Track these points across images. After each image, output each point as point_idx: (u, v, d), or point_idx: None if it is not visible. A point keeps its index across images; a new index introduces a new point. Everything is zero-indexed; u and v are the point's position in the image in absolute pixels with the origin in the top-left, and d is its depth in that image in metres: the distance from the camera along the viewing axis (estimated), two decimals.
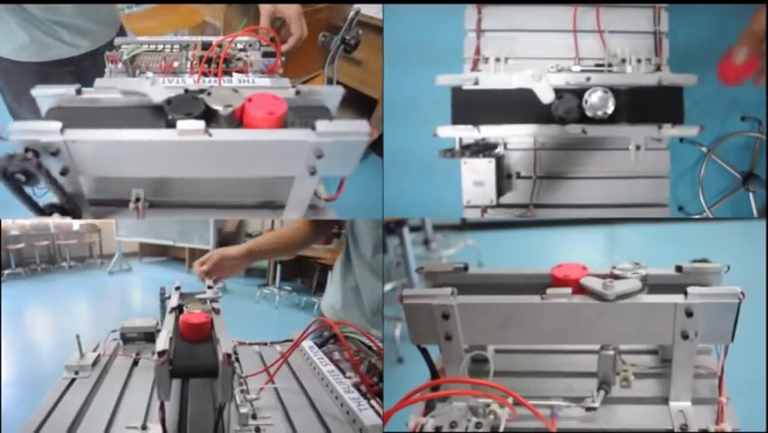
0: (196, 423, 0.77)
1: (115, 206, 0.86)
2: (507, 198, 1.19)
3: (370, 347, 1.13)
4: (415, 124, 1.26)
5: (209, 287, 1.05)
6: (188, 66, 1.02)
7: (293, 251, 1.61)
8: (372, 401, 0.91)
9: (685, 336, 0.72)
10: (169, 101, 0.74)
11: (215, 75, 0.95)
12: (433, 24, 1.57)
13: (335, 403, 0.94)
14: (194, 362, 0.72)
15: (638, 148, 1.11)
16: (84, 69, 1.45)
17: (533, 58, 1.20)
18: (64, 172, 0.71)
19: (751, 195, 1.74)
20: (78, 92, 0.78)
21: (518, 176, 1.23)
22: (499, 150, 1.14)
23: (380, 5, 1.69)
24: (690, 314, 0.71)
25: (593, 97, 1.02)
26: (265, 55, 1.09)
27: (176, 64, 1.02)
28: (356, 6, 1.20)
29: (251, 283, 5.15)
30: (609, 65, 1.15)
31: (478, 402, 0.75)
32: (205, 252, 5.20)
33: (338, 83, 1.20)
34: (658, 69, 1.16)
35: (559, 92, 1.04)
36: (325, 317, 1.44)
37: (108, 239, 6.47)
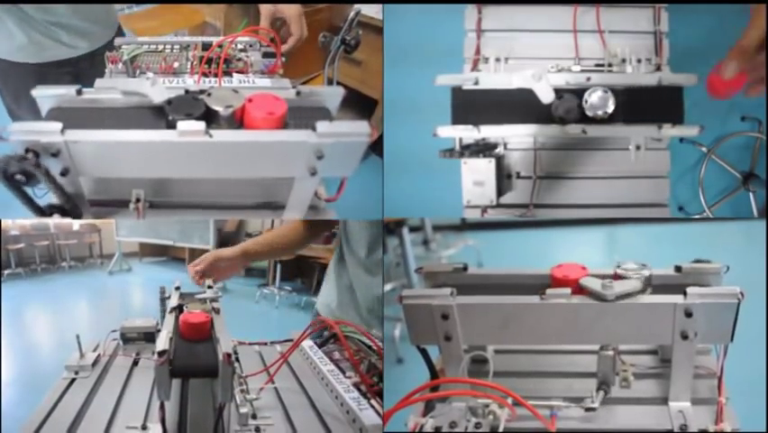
0: (196, 423, 0.77)
1: (116, 206, 0.86)
2: (507, 198, 1.19)
3: (370, 347, 1.13)
4: (415, 124, 1.26)
5: (209, 287, 1.05)
6: (189, 66, 1.02)
7: (289, 252, 1.62)
8: (372, 401, 0.91)
9: (685, 337, 0.72)
10: (169, 102, 0.74)
11: (216, 75, 0.95)
12: (433, 24, 1.57)
13: (335, 403, 0.94)
14: (194, 362, 0.72)
15: (638, 148, 1.11)
16: (82, 69, 1.45)
17: (533, 58, 1.20)
18: (64, 173, 0.72)
19: (751, 195, 1.74)
20: (79, 92, 0.78)
21: (518, 176, 1.23)
22: (499, 150, 1.14)
23: (380, 6, 1.69)
24: (689, 314, 0.71)
25: (593, 97, 1.02)
26: (265, 55, 1.09)
27: (176, 64, 1.02)
28: (356, 7, 1.20)
29: (251, 283, 5.15)
30: (609, 65, 1.15)
31: (477, 403, 0.75)
32: (205, 251, 5.22)
33: (338, 83, 1.20)
34: (658, 68, 1.16)
35: (559, 92, 1.04)
36: (322, 317, 1.45)
37: (108, 239, 6.48)
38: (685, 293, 0.71)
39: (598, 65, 1.16)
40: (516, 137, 1.20)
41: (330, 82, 1.22)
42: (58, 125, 0.69)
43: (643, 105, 1.05)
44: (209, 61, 0.99)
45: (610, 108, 1.02)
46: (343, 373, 1.03)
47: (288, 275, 4.97)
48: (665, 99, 1.04)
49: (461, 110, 1.09)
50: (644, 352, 0.91)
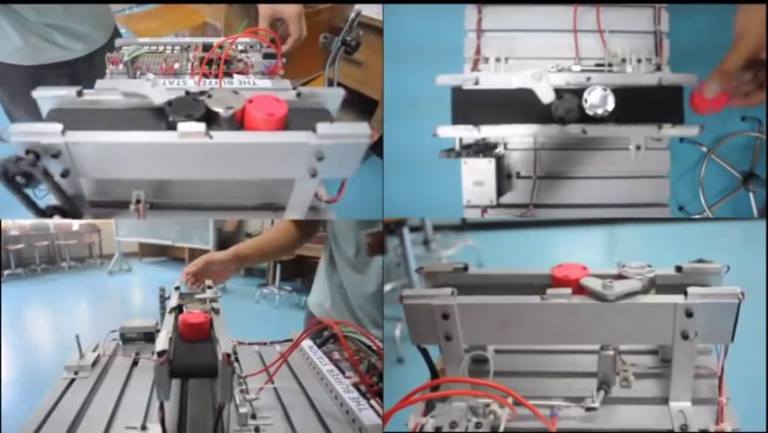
0: (195, 423, 0.77)
1: (116, 207, 0.86)
2: (507, 198, 1.19)
3: (369, 347, 1.13)
4: (415, 124, 1.26)
5: (209, 287, 1.05)
6: (189, 67, 1.02)
7: (282, 253, 1.62)
8: (372, 401, 0.91)
9: (685, 337, 0.72)
10: (169, 103, 0.74)
11: (216, 76, 0.95)
12: (433, 24, 1.57)
13: (335, 403, 0.94)
14: (193, 362, 0.72)
15: (638, 148, 1.11)
16: (80, 71, 1.45)
17: (533, 58, 1.20)
18: (65, 174, 0.71)
19: (751, 195, 1.74)
20: (79, 94, 0.78)
21: (518, 176, 1.23)
22: (499, 150, 1.14)
23: (381, 6, 1.69)
24: (690, 314, 0.71)
25: (593, 96, 1.02)
26: (266, 56, 1.09)
27: (176, 65, 1.02)
28: (357, 7, 1.20)
29: (251, 283, 5.16)
30: (610, 65, 1.15)
31: (478, 402, 0.75)
32: (205, 251, 5.23)
33: (339, 84, 1.20)
34: (658, 68, 1.16)
35: (559, 92, 1.04)
36: (321, 317, 1.47)
37: (108, 239, 6.48)
38: (686, 293, 0.71)
39: (598, 65, 1.16)
40: (516, 137, 1.20)
41: (330, 83, 1.22)
42: (58, 127, 0.68)
43: (643, 105, 1.05)
44: (210, 62, 0.99)
45: (610, 106, 1.02)
46: (343, 373, 1.03)
47: (287, 275, 4.98)
48: (665, 99, 1.04)
49: (461, 110, 1.09)
50: (645, 352, 0.91)
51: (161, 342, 0.69)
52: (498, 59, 1.19)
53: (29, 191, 0.73)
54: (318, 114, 0.79)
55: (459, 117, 1.09)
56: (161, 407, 0.72)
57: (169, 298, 1.01)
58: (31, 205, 0.75)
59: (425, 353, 0.81)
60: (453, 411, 0.77)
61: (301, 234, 1.48)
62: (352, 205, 0.94)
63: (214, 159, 0.73)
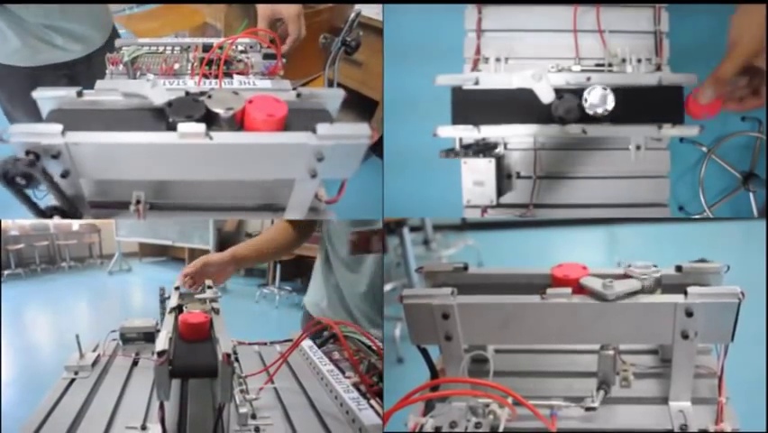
0: (195, 423, 0.77)
1: (116, 208, 0.86)
2: (507, 198, 1.19)
3: (369, 347, 1.13)
4: (415, 124, 1.26)
5: (209, 287, 1.05)
6: (189, 68, 1.02)
7: (280, 254, 1.63)
8: (372, 401, 0.91)
9: (685, 336, 0.72)
10: (169, 104, 0.74)
11: (216, 77, 0.95)
12: (433, 24, 1.57)
13: (335, 403, 0.94)
14: (193, 362, 0.72)
15: (638, 148, 1.11)
16: (79, 72, 1.45)
17: (533, 58, 1.20)
18: (65, 175, 0.71)
19: (751, 195, 1.74)
20: (79, 94, 0.78)
21: (518, 176, 1.23)
22: (499, 150, 1.14)
23: (381, 6, 1.69)
24: (690, 314, 0.71)
25: (592, 95, 1.02)
26: (266, 57, 1.08)
27: (176, 66, 1.02)
28: (357, 8, 1.20)
29: (251, 283, 5.16)
30: (610, 65, 1.15)
31: (477, 402, 0.75)
32: (205, 251, 5.22)
33: (339, 85, 1.20)
34: (658, 68, 1.16)
35: (559, 92, 1.04)
36: (320, 317, 1.47)
37: (108, 239, 6.48)
38: (686, 293, 0.71)
39: (598, 65, 1.16)
40: (516, 137, 1.20)
41: (330, 83, 1.22)
42: (58, 127, 0.68)
43: (643, 105, 1.05)
44: (210, 63, 0.99)
45: (610, 105, 1.02)
46: (343, 373, 1.03)
47: (287, 275, 4.98)
48: (665, 99, 1.04)
49: (462, 110, 1.09)
50: (645, 351, 0.91)
51: (161, 342, 0.69)
52: (498, 59, 1.19)
53: (29, 192, 0.73)
54: (318, 114, 0.79)
55: (459, 117, 1.09)
56: (161, 407, 0.72)
57: (169, 298, 1.01)
58: (31, 205, 0.75)
59: (424, 353, 0.81)
60: (453, 411, 0.77)
61: (299, 235, 1.49)
62: (352, 205, 0.94)
63: (214, 159, 0.73)
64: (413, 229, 3.34)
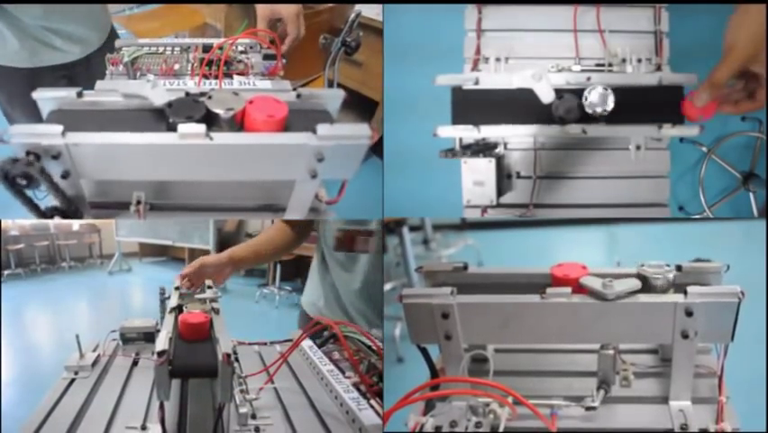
0: (195, 423, 0.78)
1: (116, 208, 0.86)
2: (507, 198, 1.19)
3: (369, 347, 1.13)
4: (415, 124, 1.26)
5: (209, 287, 1.05)
6: (189, 68, 1.02)
7: (278, 255, 1.63)
8: (372, 401, 0.91)
9: (685, 336, 0.72)
10: (170, 104, 0.74)
11: (216, 77, 0.95)
12: (433, 24, 1.57)
13: (335, 403, 0.94)
14: (193, 362, 0.72)
15: (638, 148, 1.12)
16: (78, 73, 1.45)
17: (533, 58, 1.20)
18: (65, 175, 0.71)
19: (751, 195, 1.74)
20: (80, 95, 0.78)
21: (518, 176, 1.23)
22: (499, 150, 1.14)
23: (381, 7, 1.69)
24: (689, 313, 0.71)
25: (593, 94, 1.02)
26: (266, 57, 1.09)
27: (177, 66, 1.02)
28: (357, 8, 1.20)
29: (251, 283, 5.16)
30: (610, 65, 1.15)
31: (478, 402, 0.75)
32: (205, 251, 5.22)
33: (339, 85, 1.20)
34: (658, 68, 1.16)
35: (559, 92, 1.04)
36: (307, 314, 1.51)
37: (108, 239, 6.49)
38: (686, 292, 0.71)
39: (598, 65, 1.17)
40: (516, 137, 1.20)
41: (330, 84, 1.22)
42: (58, 128, 0.69)
43: (643, 105, 1.05)
44: (210, 63, 0.99)
45: (610, 106, 1.02)
46: (343, 373, 1.03)
47: (287, 275, 4.98)
48: (665, 99, 1.04)
49: (462, 110, 1.09)
50: (645, 351, 0.91)
51: (161, 342, 0.69)
52: (498, 59, 1.19)
53: (29, 192, 0.73)
54: (318, 115, 0.79)
55: (459, 117, 1.09)
56: (161, 407, 0.72)
57: (169, 298, 1.01)
58: (31, 206, 0.75)
59: (424, 352, 0.81)
60: (453, 411, 0.77)
61: (297, 236, 1.49)
62: (352, 205, 0.94)
63: (215, 160, 0.73)
64: (413, 229, 3.34)
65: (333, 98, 0.83)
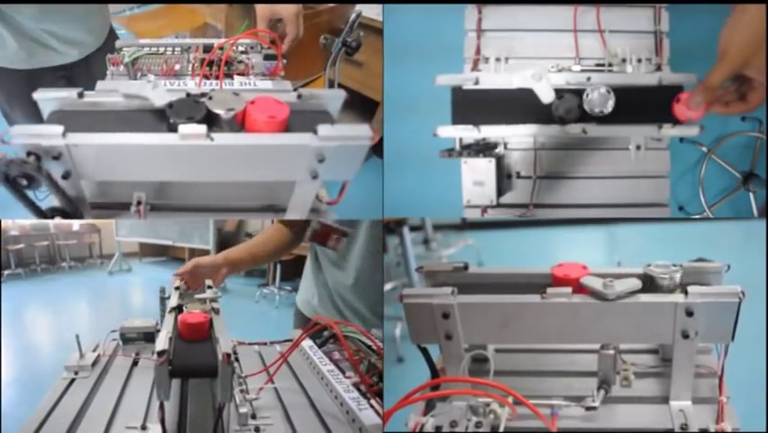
0: (195, 423, 0.77)
1: (117, 209, 0.86)
2: (507, 198, 1.19)
3: (369, 347, 1.13)
4: (415, 124, 1.26)
5: (209, 287, 1.05)
6: (190, 69, 1.02)
7: (275, 256, 1.63)
8: (372, 401, 0.91)
9: (685, 336, 0.72)
10: (170, 105, 0.74)
11: (217, 78, 0.95)
12: (433, 24, 1.57)
13: (335, 403, 0.94)
14: (193, 362, 0.72)
15: (638, 148, 1.12)
16: (77, 74, 1.45)
17: (533, 58, 1.20)
18: (66, 176, 0.72)
19: (751, 195, 1.74)
20: (80, 95, 0.78)
21: (518, 176, 1.23)
22: (499, 150, 1.14)
23: (381, 7, 1.69)
24: (690, 313, 0.71)
25: (594, 94, 1.02)
26: (266, 58, 1.09)
27: (177, 67, 1.02)
28: (357, 8, 1.20)
29: (251, 283, 5.16)
30: (610, 65, 1.15)
31: (478, 402, 0.75)
32: (205, 251, 5.22)
33: (339, 85, 1.20)
34: (658, 68, 1.16)
35: (559, 92, 1.04)
36: (302, 313, 1.52)
37: (108, 239, 6.49)
38: (686, 292, 0.71)
39: (598, 65, 1.17)
40: (516, 137, 1.20)
41: (331, 84, 1.22)
42: (59, 129, 0.69)
43: (643, 105, 1.05)
44: (210, 64, 0.99)
45: (609, 108, 1.03)
46: (343, 373, 1.03)
47: (287, 275, 4.98)
48: (665, 99, 1.04)
49: (462, 110, 1.09)
50: (645, 351, 0.91)
51: (161, 342, 0.69)
52: (498, 59, 1.19)
53: (30, 193, 0.73)
54: (319, 115, 0.79)
55: (459, 117, 1.09)
56: (161, 407, 0.72)
57: (169, 298, 1.01)
58: (32, 206, 0.75)
59: (425, 352, 0.81)
60: (454, 411, 0.77)
61: (294, 237, 1.49)
62: (352, 205, 0.94)
63: (215, 161, 0.73)
64: (413, 229, 3.35)
65: (333, 99, 0.83)
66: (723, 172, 1.75)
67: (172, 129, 0.71)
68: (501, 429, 0.71)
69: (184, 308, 0.86)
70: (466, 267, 0.86)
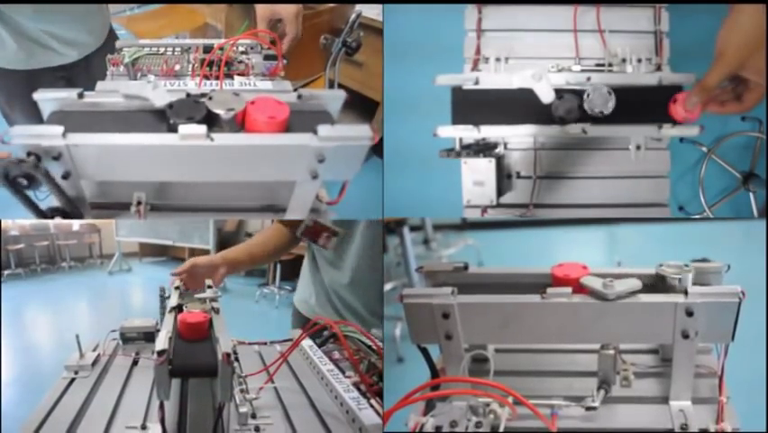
0: (195, 423, 0.77)
1: (117, 209, 0.86)
2: (507, 198, 1.19)
3: (369, 347, 1.13)
4: (415, 124, 1.26)
5: (209, 286, 1.05)
6: (190, 69, 1.02)
7: (274, 257, 1.63)
8: (372, 401, 0.91)
9: (685, 336, 0.72)
10: (170, 105, 0.74)
11: (217, 78, 0.95)
12: (433, 24, 1.57)
13: (335, 403, 0.94)
14: (193, 361, 0.72)
15: (638, 148, 1.12)
16: (77, 74, 1.44)
17: (533, 58, 1.20)
18: (66, 176, 0.72)
19: (751, 195, 1.74)
20: (80, 96, 0.78)
21: (518, 176, 1.23)
22: (499, 150, 1.14)
23: (381, 7, 1.69)
24: (690, 313, 0.71)
25: (595, 94, 1.02)
26: (267, 58, 1.09)
27: (177, 67, 1.02)
28: (357, 9, 1.20)
29: (251, 283, 5.16)
30: (610, 65, 1.15)
31: (478, 402, 0.75)
32: (205, 251, 5.21)
33: (339, 85, 1.20)
34: (658, 68, 1.16)
35: (559, 92, 1.04)
36: (300, 312, 1.52)
37: (108, 239, 6.49)
38: (686, 292, 0.71)
39: (598, 65, 1.16)
40: (516, 137, 1.20)
41: (331, 84, 1.22)
42: (59, 129, 0.69)
43: (643, 105, 1.05)
44: (210, 64, 0.99)
45: (609, 109, 1.03)
46: (343, 372, 1.03)
47: (287, 275, 4.98)
48: (665, 99, 1.04)
49: (462, 110, 1.09)
50: (645, 351, 0.91)
51: (161, 341, 0.69)
52: (498, 59, 1.19)
53: (30, 193, 0.73)
54: (319, 116, 0.79)
55: (459, 117, 1.09)
56: (161, 406, 0.72)
57: (168, 297, 1.01)
58: (32, 206, 0.75)
59: (425, 352, 0.81)
60: (454, 411, 0.77)
61: (293, 236, 1.49)
62: (352, 205, 0.94)
63: (215, 161, 0.73)
64: (413, 229, 3.35)
65: (333, 99, 0.83)
66: (723, 172, 1.75)
67: (172, 129, 0.71)
68: (501, 429, 0.71)
69: (184, 308, 0.86)
70: (466, 267, 0.86)
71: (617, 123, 1.04)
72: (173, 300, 0.93)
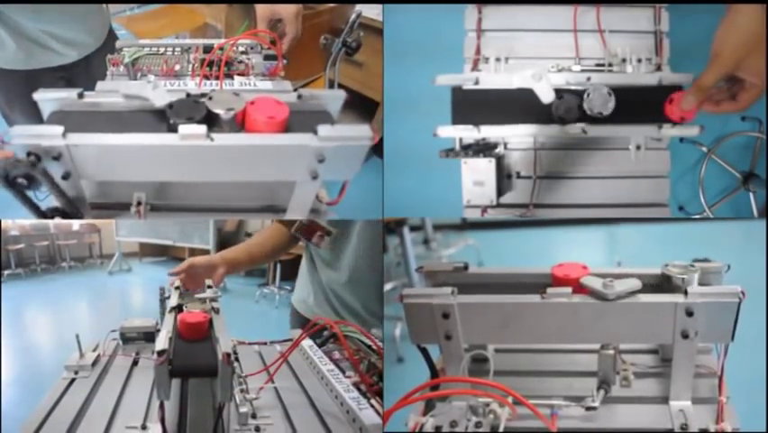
0: (195, 423, 0.77)
1: (117, 209, 0.86)
2: (507, 198, 1.19)
3: (369, 347, 1.13)
4: (415, 124, 1.26)
5: (209, 286, 1.05)
6: (190, 69, 1.02)
7: (273, 257, 1.63)
8: (372, 401, 0.91)
9: (685, 336, 0.72)
10: (170, 105, 0.74)
11: (217, 78, 0.95)
12: (433, 24, 1.57)
13: (335, 402, 0.94)
14: (193, 361, 0.72)
15: (638, 148, 1.12)
16: (77, 74, 1.44)
17: (533, 58, 1.20)
18: (66, 176, 0.72)
19: (751, 195, 1.74)
20: (80, 96, 0.78)
21: (518, 176, 1.23)
22: (499, 150, 1.14)
23: (381, 7, 1.69)
24: (690, 313, 0.71)
25: (595, 94, 1.02)
26: (267, 58, 1.09)
27: (177, 67, 1.02)
28: (357, 9, 1.20)
29: (251, 283, 5.16)
30: (610, 65, 1.15)
31: (478, 402, 0.75)
32: (205, 251, 5.21)
33: (339, 85, 1.20)
34: (658, 68, 1.17)
35: (559, 92, 1.04)
36: (298, 312, 1.53)
37: (108, 239, 6.49)
38: (686, 292, 0.71)
39: (598, 65, 1.17)
40: (516, 137, 1.20)
41: (331, 84, 1.22)
42: (59, 129, 0.69)
43: (643, 105, 1.05)
44: (210, 64, 0.99)
45: (609, 110, 1.03)
46: (343, 372, 1.03)
47: (287, 275, 4.98)
48: (665, 99, 1.04)
49: (462, 110, 1.09)
50: (645, 351, 0.91)
51: (161, 341, 0.69)
52: (498, 59, 1.19)
53: (30, 193, 0.73)
54: (319, 116, 0.79)
55: (459, 117, 1.09)
56: (161, 406, 0.72)
57: (168, 297, 1.01)
58: (32, 207, 0.75)
59: (425, 352, 0.81)
60: (453, 411, 0.77)
61: (292, 237, 1.49)
62: (352, 205, 0.94)
63: (215, 161, 0.73)
64: (413, 229, 3.35)
65: (333, 99, 0.83)
66: (723, 172, 1.75)
67: (172, 129, 0.71)
68: (501, 429, 0.71)
69: (184, 308, 0.86)
70: (466, 267, 0.86)
71: (616, 123, 1.04)
72: (173, 300, 0.93)
